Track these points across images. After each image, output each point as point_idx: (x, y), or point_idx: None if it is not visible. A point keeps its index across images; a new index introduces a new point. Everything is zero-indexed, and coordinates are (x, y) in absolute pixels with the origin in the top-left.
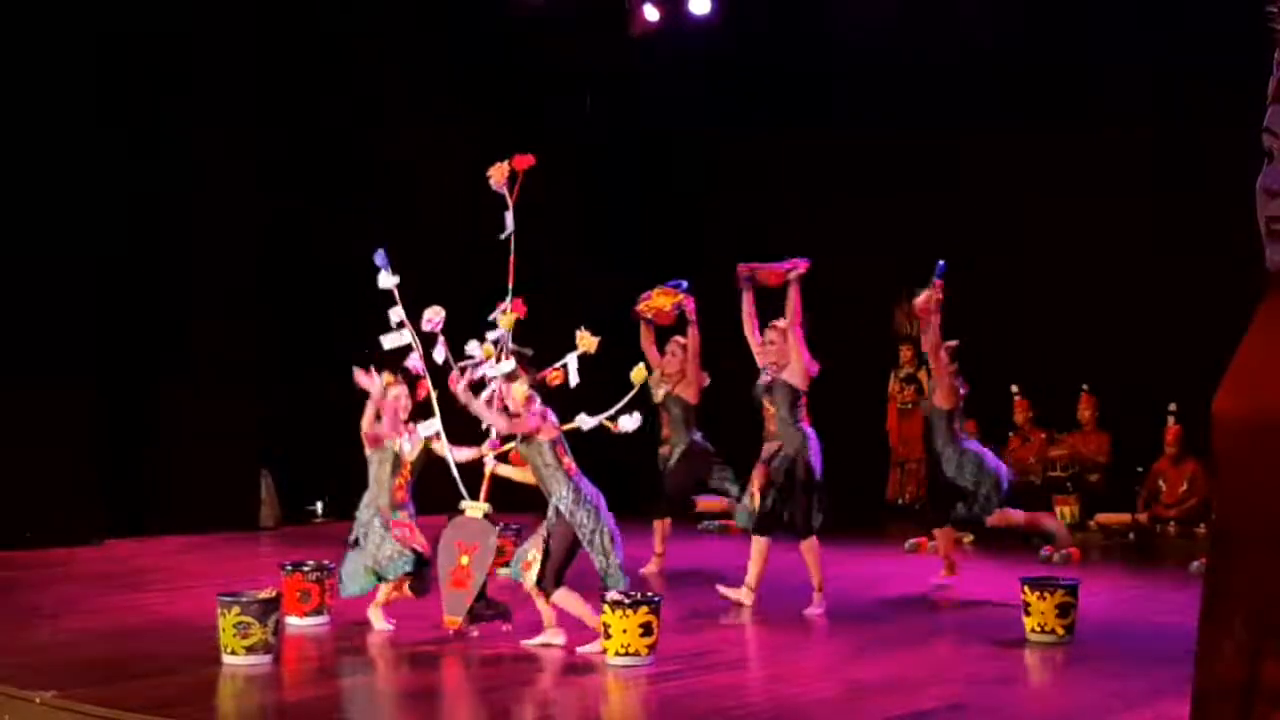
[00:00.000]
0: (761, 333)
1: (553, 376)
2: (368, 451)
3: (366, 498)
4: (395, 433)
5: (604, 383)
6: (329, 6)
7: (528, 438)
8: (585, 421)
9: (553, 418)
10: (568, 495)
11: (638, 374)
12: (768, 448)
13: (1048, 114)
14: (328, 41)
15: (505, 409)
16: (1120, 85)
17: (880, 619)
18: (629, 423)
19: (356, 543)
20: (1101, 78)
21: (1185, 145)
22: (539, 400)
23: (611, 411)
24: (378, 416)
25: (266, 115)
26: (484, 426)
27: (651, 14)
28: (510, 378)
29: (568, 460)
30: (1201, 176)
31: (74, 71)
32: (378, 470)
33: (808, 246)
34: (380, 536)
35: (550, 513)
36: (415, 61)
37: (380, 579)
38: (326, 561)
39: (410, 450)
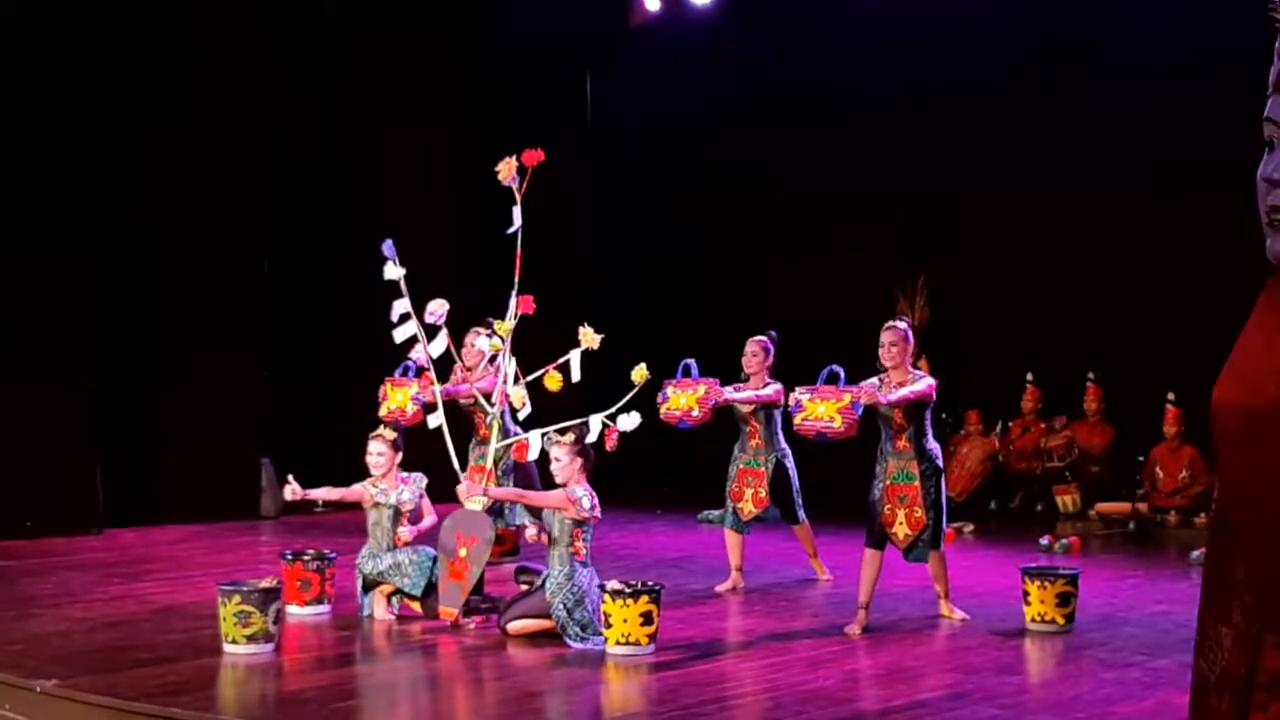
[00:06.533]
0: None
1: (549, 379)
2: (365, 507)
3: (365, 551)
4: (392, 484)
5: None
6: (329, 6)
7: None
8: (591, 423)
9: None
10: (559, 574)
11: (639, 374)
12: None
13: (1051, 108)
14: (328, 41)
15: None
16: (1121, 79)
17: (879, 609)
18: (627, 422)
19: (369, 585)
20: (1102, 72)
21: (1187, 139)
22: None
23: (612, 410)
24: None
25: (267, 115)
26: (488, 422)
27: (652, 2)
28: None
29: (580, 544)
30: (1203, 169)
31: (74, 71)
32: (374, 526)
33: (807, 245)
34: (391, 557)
35: None
36: (415, 60)
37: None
38: (327, 550)
39: (409, 499)
